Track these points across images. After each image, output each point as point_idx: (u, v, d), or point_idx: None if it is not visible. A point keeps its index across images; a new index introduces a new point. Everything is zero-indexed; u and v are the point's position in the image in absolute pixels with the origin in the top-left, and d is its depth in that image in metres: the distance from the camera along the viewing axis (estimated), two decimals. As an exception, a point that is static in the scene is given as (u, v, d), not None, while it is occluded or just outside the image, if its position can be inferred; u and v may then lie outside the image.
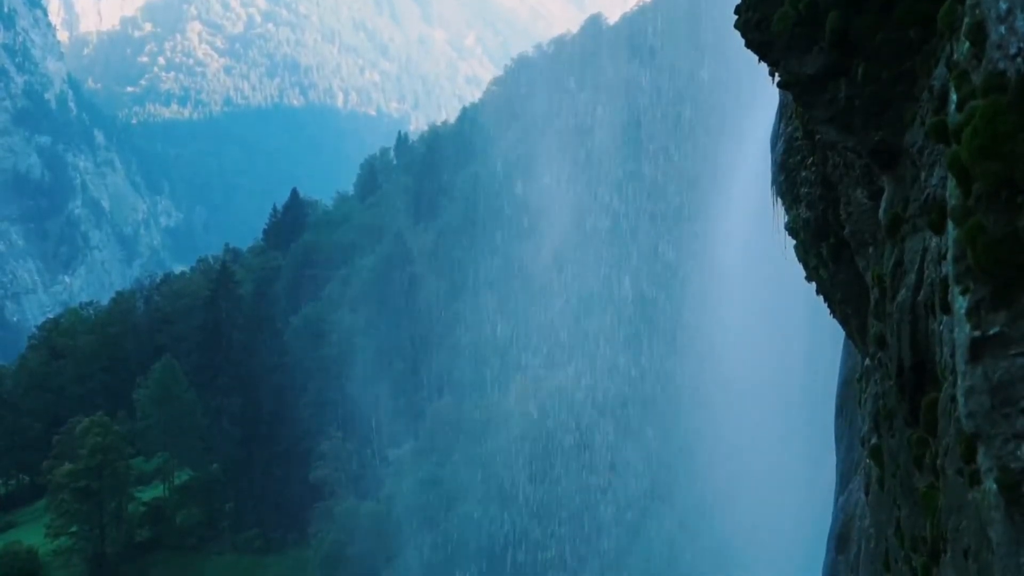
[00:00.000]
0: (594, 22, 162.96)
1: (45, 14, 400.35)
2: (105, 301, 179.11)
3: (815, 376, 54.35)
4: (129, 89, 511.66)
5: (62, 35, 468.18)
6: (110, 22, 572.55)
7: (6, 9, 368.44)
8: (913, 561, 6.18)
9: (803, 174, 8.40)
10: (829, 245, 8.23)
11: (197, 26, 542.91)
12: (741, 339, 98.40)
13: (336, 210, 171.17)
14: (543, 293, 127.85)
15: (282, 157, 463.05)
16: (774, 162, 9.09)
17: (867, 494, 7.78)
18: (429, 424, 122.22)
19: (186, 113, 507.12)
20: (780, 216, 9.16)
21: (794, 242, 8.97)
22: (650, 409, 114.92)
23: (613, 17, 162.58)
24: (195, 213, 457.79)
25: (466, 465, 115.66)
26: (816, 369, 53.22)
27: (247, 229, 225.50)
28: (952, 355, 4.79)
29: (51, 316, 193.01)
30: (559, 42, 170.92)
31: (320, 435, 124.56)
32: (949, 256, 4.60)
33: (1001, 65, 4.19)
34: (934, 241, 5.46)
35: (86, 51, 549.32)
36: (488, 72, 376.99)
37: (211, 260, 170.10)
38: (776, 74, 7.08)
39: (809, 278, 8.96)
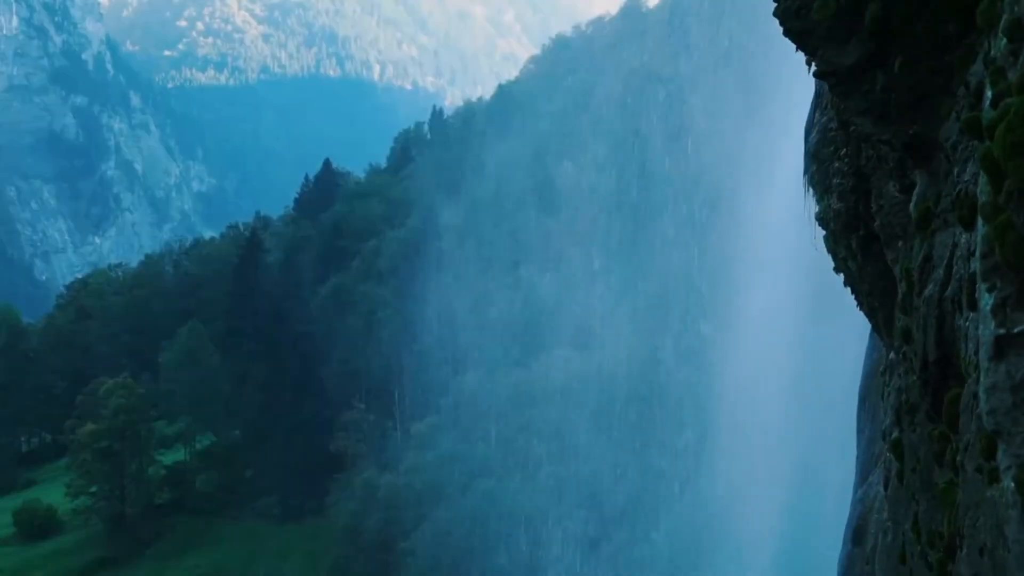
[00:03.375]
0: (634, 4, 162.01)
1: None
2: (134, 263, 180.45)
3: (840, 368, 54.09)
4: (166, 53, 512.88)
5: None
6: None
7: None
8: (929, 556, 6.18)
9: (836, 165, 8.37)
10: (859, 237, 8.20)
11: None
12: (770, 328, 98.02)
13: (368, 182, 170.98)
14: (572, 273, 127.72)
15: (316, 127, 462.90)
16: (807, 152, 9.05)
17: (886, 487, 7.77)
18: (452, 399, 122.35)
19: (222, 79, 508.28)
20: (811, 206, 9.13)
21: (824, 232, 8.95)
22: (676, 396, 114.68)
23: (653, 0, 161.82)
24: (227, 179, 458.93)
25: (487, 441, 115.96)
26: (841, 361, 52.94)
27: (279, 197, 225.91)
28: (976, 352, 4.78)
29: (80, 276, 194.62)
30: (598, 23, 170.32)
31: (343, 405, 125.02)
32: (977, 252, 4.58)
33: (1038, 63, 4.17)
34: (964, 237, 5.44)
35: (125, 13, 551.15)
36: (526, 50, 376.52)
37: (241, 227, 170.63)
38: (813, 63, 7.05)
39: (837, 269, 8.93)
